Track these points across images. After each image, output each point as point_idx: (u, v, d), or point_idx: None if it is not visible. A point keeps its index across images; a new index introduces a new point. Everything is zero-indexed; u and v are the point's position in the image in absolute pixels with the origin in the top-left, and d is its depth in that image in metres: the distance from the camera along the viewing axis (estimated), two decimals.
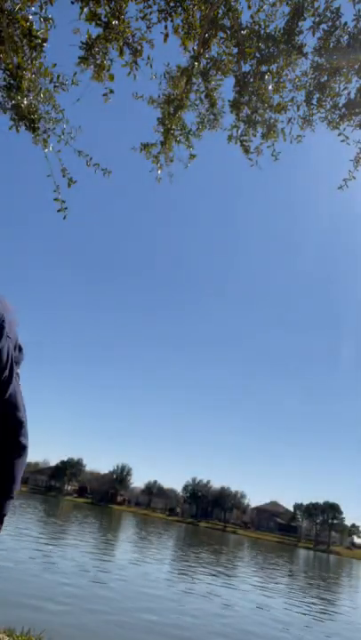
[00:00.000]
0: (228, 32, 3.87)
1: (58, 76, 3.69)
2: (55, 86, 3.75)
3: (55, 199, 3.69)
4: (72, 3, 3.50)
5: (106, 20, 3.58)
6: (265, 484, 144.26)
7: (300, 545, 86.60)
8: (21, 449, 1.67)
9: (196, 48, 4.02)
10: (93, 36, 3.68)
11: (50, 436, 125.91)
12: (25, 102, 3.67)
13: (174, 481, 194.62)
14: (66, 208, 3.69)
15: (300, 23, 3.63)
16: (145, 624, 8.79)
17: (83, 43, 3.66)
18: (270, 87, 3.92)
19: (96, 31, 3.66)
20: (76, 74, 3.73)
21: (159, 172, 4.41)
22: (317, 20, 3.57)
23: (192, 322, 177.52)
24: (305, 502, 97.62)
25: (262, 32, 3.75)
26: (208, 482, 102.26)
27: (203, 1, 3.75)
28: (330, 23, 3.54)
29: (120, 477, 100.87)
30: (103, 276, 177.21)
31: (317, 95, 3.85)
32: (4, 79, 3.62)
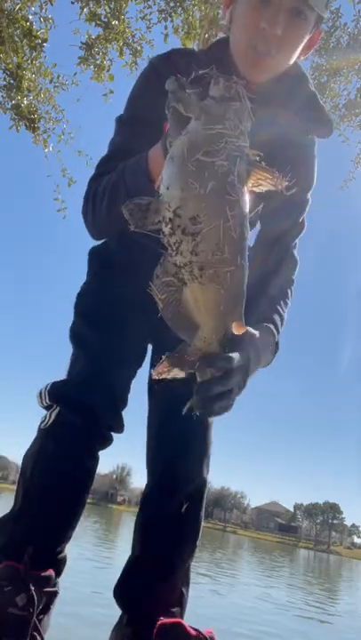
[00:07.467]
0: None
1: (58, 76, 3.70)
2: (55, 86, 3.76)
3: (55, 199, 3.70)
4: (72, 3, 3.51)
5: (106, 20, 3.58)
6: (265, 484, 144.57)
7: (300, 545, 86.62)
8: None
9: (196, 48, 4.03)
10: (93, 36, 3.68)
11: None
12: (25, 102, 3.67)
13: None
14: (65, 207, 3.70)
15: None
16: None
17: (83, 43, 3.67)
18: None
19: (96, 31, 3.66)
20: (76, 74, 3.74)
21: None
22: None
23: None
24: (305, 502, 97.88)
25: None
26: (208, 482, 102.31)
27: (203, 1, 3.75)
28: (330, 23, 3.54)
29: (120, 477, 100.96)
30: None
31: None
32: (4, 79, 3.62)
